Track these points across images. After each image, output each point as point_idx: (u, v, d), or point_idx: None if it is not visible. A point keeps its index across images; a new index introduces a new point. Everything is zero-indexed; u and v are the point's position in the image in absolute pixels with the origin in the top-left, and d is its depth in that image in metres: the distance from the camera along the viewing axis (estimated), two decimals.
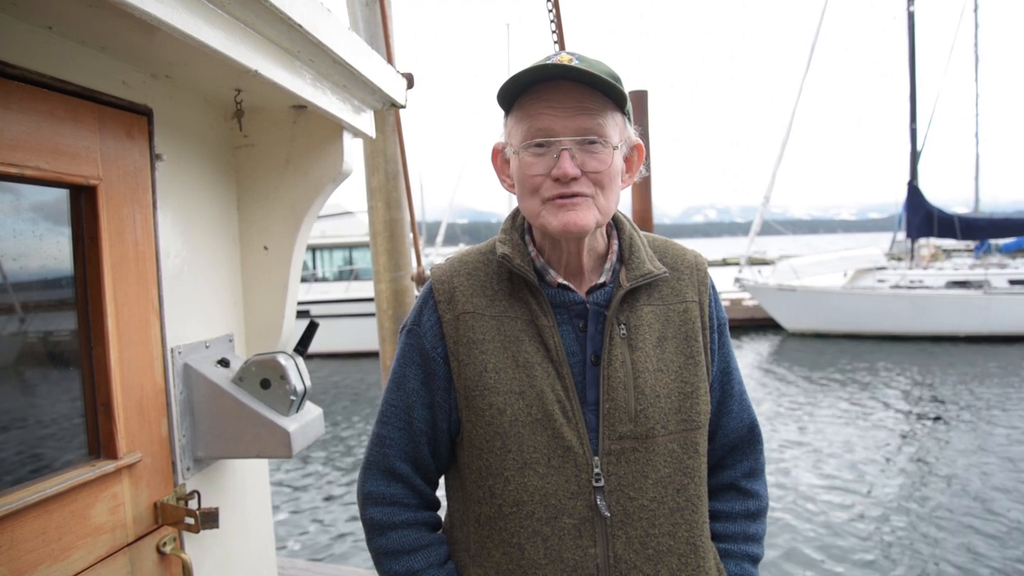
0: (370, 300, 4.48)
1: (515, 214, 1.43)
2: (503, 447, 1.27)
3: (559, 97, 1.24)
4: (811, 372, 15.18)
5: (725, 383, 1.44)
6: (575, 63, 1.22)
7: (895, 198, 22.88)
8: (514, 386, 1.28)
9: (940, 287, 19.52)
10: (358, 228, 19.61)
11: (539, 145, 1.25)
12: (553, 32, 3.13)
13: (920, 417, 11.44)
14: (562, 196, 1.25)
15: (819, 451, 9.54)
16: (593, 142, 1.25)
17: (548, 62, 1.24)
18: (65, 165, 1.46)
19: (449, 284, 1.37)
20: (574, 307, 1.32)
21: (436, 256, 27.85)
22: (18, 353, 1.47)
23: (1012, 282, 19.10)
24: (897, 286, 20.02)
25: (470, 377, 1.30)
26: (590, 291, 1.34)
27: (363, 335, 16.89)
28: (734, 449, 1.47)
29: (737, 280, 21.44)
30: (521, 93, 1.27)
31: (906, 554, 6.42)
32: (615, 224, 1.42)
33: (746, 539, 1.43)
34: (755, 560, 1.43)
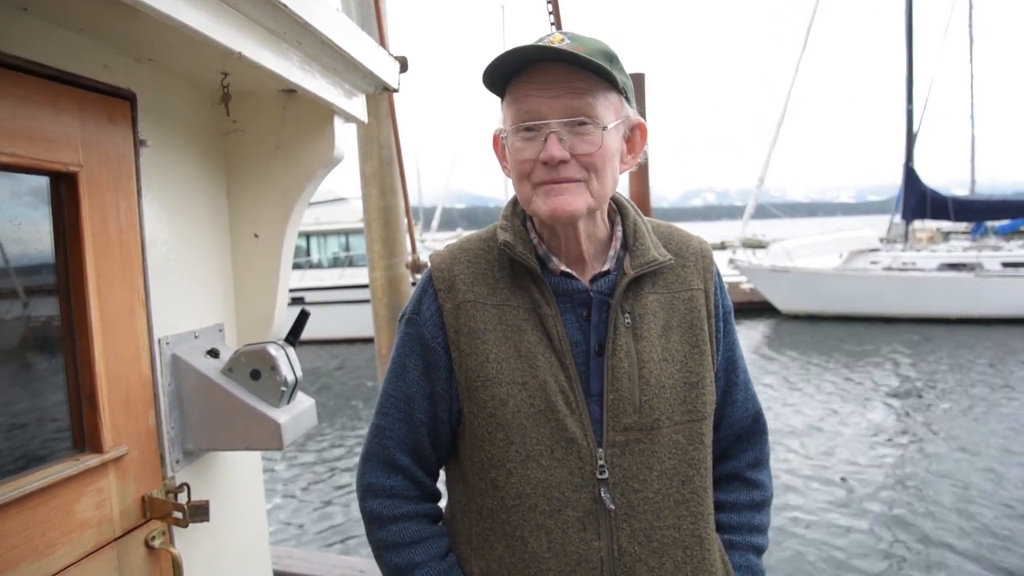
0: (365, 287, 4.44)
1: (516, 199, 1.39)
2: (506, 439, 1.24)
3: (547, 79, 1.19)
4: (804, 353, 15.23)
5: (730, 372, 1.40)
6: (567, 43, 1.17)
7: (893, 180, 22.88)
8: (516, 376, 1.24)
9: (933, 269, 19.54)
10: (353, 214, 19.48)
11: (528, 129, 1.20)
12: (550, 13, 3.07)
13: (910, 397, 11.50)
14: (552, 181, 1.20)
15: (809, 431, 9.58)
16: (583, 123, 1.19)
17: (540, 42, 1.19)
18: (43, 151, 1.41)
19: (449, 272, 1.32)
20: (577, 296, 1.28)
21: (432, 242, 27.69)
22: None
23: (1005, 264, 19.11)
24: (890, 268, 20.01)
25: (471, 367, 1.26)
26: (594, 279, 1.30)
27: (358, 321, 16.84)
28: (739, 439, 1.45)
29: (731, 261, 21.44)
30: (512, 76, 1.23)
31: (897, 533, 6.45)
32: (619, 209, 1.37)
33: (750, 530, 1.41)
34: (759, 551, 1.41)
